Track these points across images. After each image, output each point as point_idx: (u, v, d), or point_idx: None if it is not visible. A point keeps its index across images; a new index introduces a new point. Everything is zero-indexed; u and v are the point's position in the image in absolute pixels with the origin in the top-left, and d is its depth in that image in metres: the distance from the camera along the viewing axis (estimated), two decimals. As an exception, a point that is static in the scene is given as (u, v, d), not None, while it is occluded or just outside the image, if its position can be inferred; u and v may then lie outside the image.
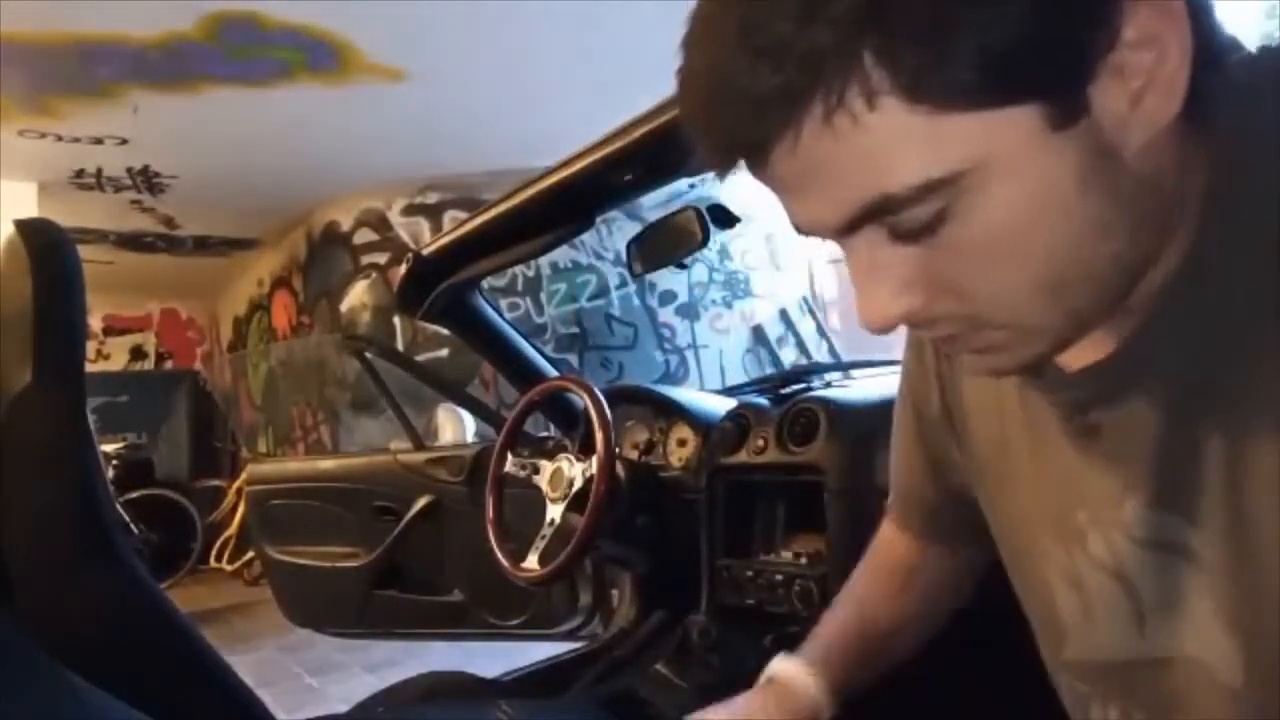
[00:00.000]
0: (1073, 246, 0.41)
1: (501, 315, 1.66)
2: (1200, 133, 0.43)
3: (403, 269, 1.51)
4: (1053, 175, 0.39)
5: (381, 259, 5.25)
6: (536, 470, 1.34)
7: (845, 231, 0.43)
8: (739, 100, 0.40)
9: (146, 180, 4.83)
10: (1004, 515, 0.64)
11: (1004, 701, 0.82)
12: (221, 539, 6.31)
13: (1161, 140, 0.41)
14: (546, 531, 1.28)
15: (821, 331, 5.77)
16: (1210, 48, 0.42)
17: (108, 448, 6.13)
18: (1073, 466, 0.54)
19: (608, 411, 1.26)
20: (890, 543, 0.83)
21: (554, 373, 1.66)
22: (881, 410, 0.84)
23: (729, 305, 5.73)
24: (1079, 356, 0.50)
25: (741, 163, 0.44)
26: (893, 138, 0.38)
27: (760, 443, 1.32)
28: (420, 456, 1.86)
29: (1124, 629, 0.53)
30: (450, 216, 5.14)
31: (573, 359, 5.22)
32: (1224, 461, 0.45)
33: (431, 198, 5.23)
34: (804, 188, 0.43)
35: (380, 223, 5.27)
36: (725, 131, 0.43)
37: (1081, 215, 0.41)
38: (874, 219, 0.41)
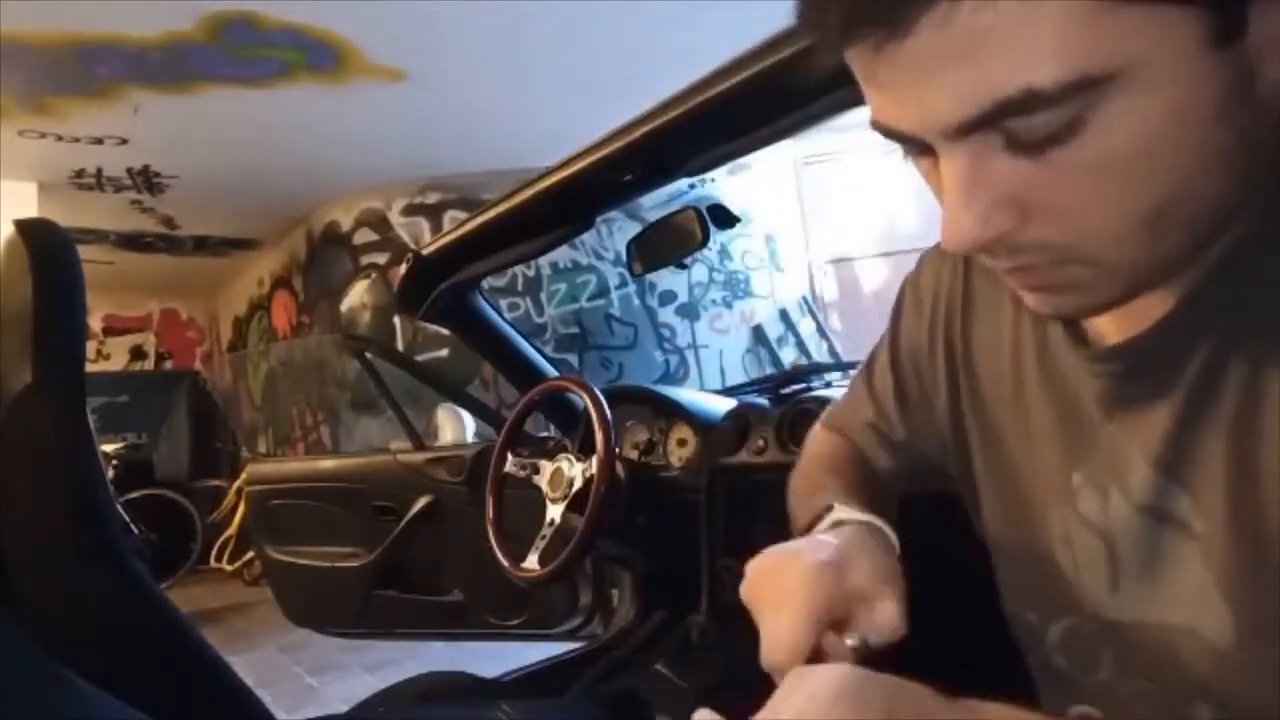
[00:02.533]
0: (1192, 178, 0.39)
1: (501, 315, 1.66)
2: None
3: (403, 269, 1.51)
4: (1198, 94, 0.37)
5: (381, 259, 5.25)
6: (536, 470, 1.34)
7: (957, 134, 0.40)
8: None
9: (146, 180, 4.83)
10: (1010, 471, 0.63)
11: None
12: (221, 539, 6.31)
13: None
14: (546, 532, 1.28)
15: (821, 331, 5.77)
16: None
17: (108, 448, 6.13)
18: (1087, 426, 0.54)
19: (608, 411, 1.26)
20: (831, 443, 0.83)
21: (554, 373, 1.66)
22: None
23: (729, 305, 5.73)
24: (1120, 328, 0.50)
25: (860, 45, 0.40)
26: (1058, 19, 0.35)
27: (760, 443, 1.32)
28: (420, 456, 1.86)
29: (1101, 587, 0.54)
30: (450, 216, 5.14)
31: (573, 359, 5.22)
32: (1230, 434, 0.45)
33: (431, 198, 5.23)
34: (934, 74, 0.38)
35: (380, 223, 5.27)
36: None
37: (1212, 144, 0.39)
38: (999, 120, 0.38)
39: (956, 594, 0.81)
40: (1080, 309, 0.47)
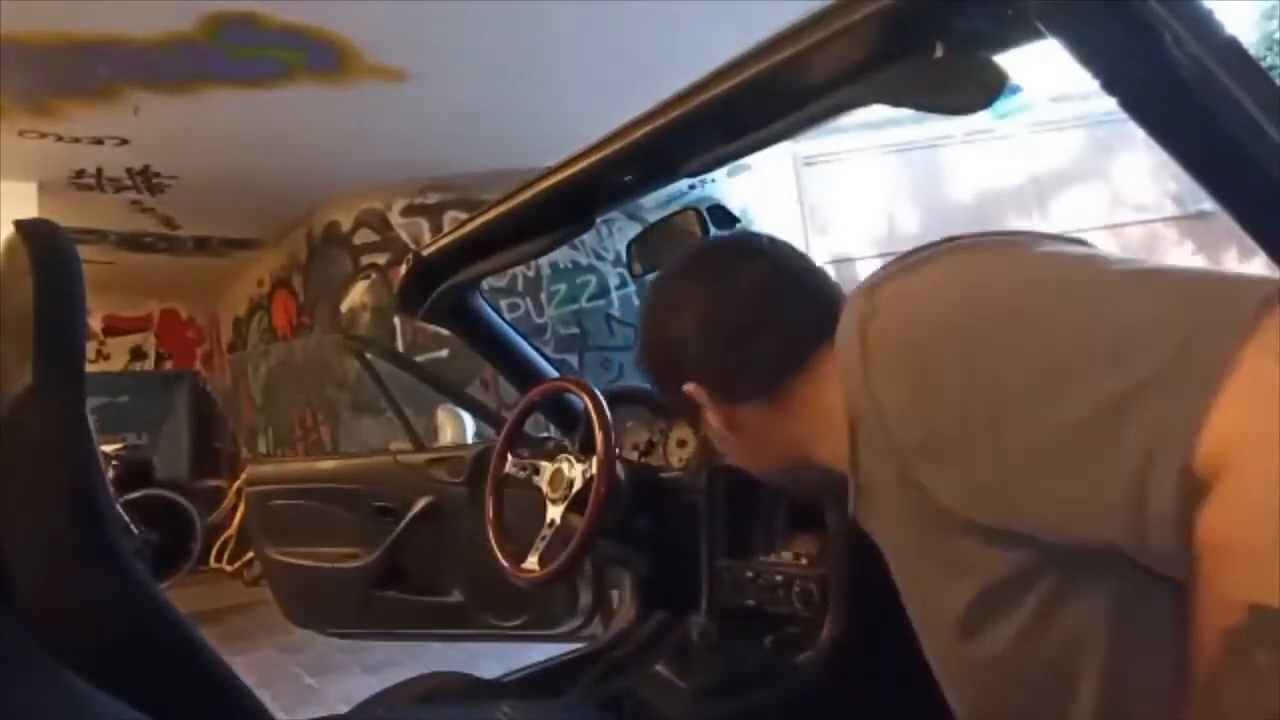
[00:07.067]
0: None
1: (501, 316, 1.66)
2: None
3: (403, 269, 1.51)
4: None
5: (381, 259, 5.25)
6: (536, 471, 1.34)
7: None
8: None
9: (146, 180, 4.83)
10: None
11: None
12: (221, 539, 6.31)
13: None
14: (546, 532, 1.28)
15: (821, 332, 5.77)
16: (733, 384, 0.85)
17: (108, 448, 6.12)
18: None
19: (608, 412, 1.26)
20: None
21: (554, 373, 1.67)
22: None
23: (729, 305, 5.72)
24: None
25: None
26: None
27: (760, 443, 1.32)
28: (420, 457, 1.86)
29: None
30: (450, 216, 5.14)
31: (573, 360, 5.22)
32: None
33: (431, 198, 5.23)
34: None
35: (380, 223, 5.27)
36: None
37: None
38: None
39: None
40: None
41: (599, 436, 1.23)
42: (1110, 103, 0.69)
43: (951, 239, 0.70)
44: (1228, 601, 0.46)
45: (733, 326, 0.85)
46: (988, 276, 0.63)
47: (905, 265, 0.70)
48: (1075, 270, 0.59)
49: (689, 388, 0.86)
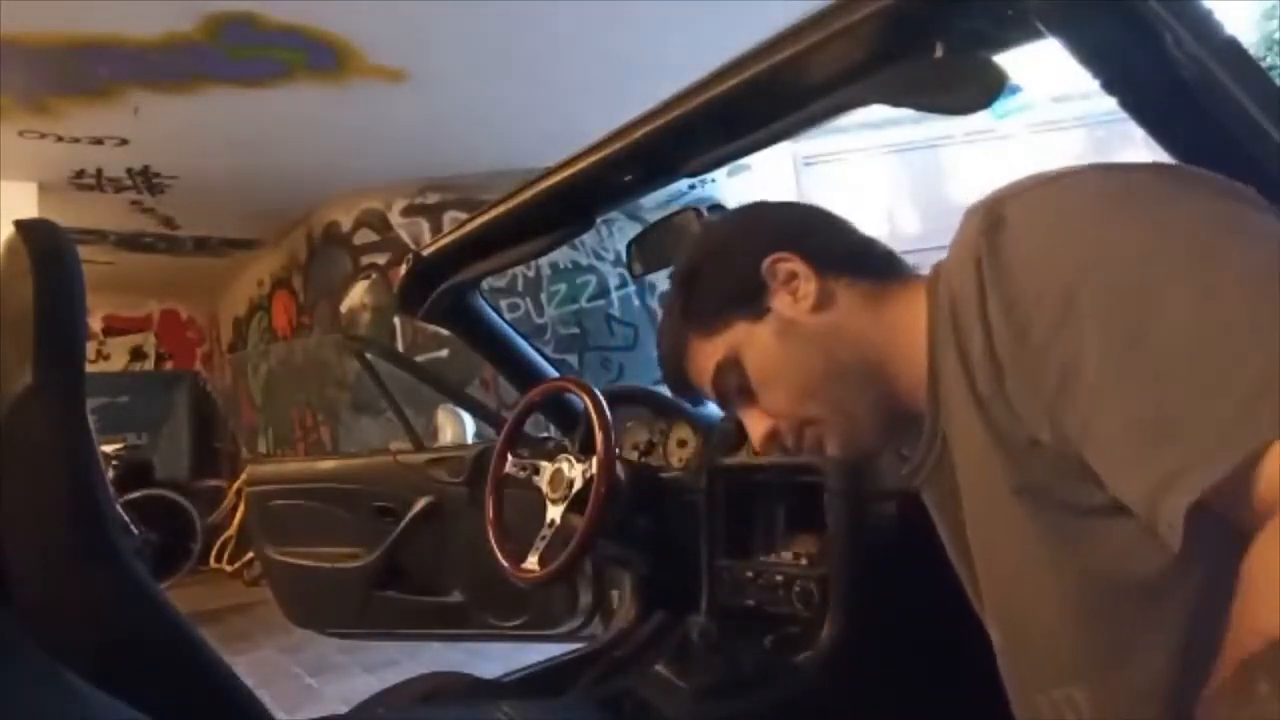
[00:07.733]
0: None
1: (501, 316, 1.66)
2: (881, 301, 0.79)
3: (403, 269, 1.51)
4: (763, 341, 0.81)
5: (381, 259, 5.25)
6: (536, 471, 1.34)
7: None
8: None
9: (146, 180, 4.83)
10: None
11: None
12: (221, 539, 6.31)
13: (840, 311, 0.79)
14: (546, 532, 1.28)
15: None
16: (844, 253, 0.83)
17: (108, 448, 6.12)
18: None
19: (608, 412, 1.26)
20: None
21: (554, 373, 1.67)
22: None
23: (729, 305, 5.72)
24: None
25: None
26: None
27: (760, 443, 1.32)
28: (420, 457, 1.86)
29: None
30: (450, 217, 5.14)
31: (573, 360, 5.22)
32: None
33: (431, 198, 5.23)
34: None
35: (380, 223, 5.27)
36: None
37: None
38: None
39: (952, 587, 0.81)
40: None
41: (599, 436, 1.23)
42: (1110, 103, 0.69)
43: (1099, 166, 0.67)
44: (1252, 626, 0.47)
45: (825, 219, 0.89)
46: (1131, 229, 0.60)
47: (1034, 183, 0.67)
48: (1219, 263, 0.56)
49: (777, 254, 0.80)
